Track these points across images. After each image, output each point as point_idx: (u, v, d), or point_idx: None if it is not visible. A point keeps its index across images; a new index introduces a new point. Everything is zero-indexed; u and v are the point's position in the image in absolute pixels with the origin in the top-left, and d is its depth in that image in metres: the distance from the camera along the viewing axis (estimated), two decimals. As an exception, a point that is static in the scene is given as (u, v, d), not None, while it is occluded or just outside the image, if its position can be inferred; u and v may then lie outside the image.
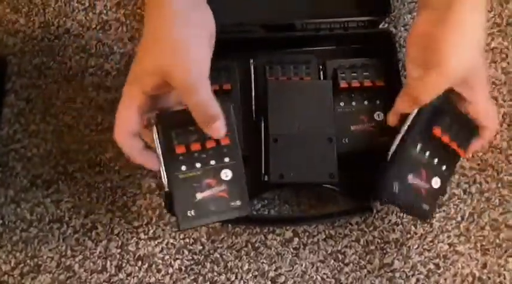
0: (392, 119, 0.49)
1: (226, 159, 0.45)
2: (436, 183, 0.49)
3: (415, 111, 0.47)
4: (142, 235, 0.51)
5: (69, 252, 0.51)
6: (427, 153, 0.48)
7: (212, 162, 0.44)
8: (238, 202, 0.44)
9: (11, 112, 0.55)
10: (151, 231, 0.52)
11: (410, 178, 0.47)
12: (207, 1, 0.45)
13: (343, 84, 0.54)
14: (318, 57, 0.56)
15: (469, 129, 0.49)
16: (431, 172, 0.48)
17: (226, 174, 0.45)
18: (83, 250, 0.51)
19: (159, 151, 0.43)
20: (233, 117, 0.46)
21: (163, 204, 0.52)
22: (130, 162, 0.43)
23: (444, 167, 0.49)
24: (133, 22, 0.59)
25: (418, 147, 0.47)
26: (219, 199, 0.44)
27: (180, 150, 0.44)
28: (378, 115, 0.53)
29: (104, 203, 0.52)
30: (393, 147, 0.48)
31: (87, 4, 0.60)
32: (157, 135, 0.43)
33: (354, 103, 0.55)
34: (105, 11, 0.60)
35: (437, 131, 0.47)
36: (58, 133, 0.55)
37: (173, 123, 0.43)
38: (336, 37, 0.58)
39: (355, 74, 0.55)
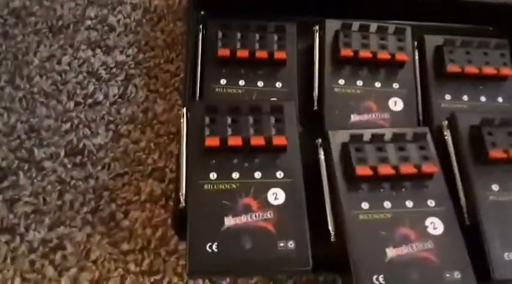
0: None
1: (279, 173, 0.30)
2: None
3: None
4: (132, 267, 0.33)
5: (17, 282, 0.32)
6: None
7: (257, 175, 0.30)
8: (291, 244, 0.27)
9: (-33, 68, 0.38)
10: (147, 262, 0.33)
11: None
12: None
13: (451, 68, 0.37)
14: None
15: None
16: None
17: (277, 195, 0.29)
18: (39, 280, 0.33)
19: (184, 144, 0.30)
20: (295, 114, 0.32)
21: (170, 221, 0.34)
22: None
23: None
24: (155, -36, 0.43)
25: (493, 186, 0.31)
26: (259, 233, 0.28)
27: (211, 142, 0.30)
28: None
29: (81, 211, 0.34)
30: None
31: None
32: (185, 124, 0.31)
33: (465, 98, 0.37)
34: None
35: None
36: (30, 103, 0.38)
37: (209, 110, 0.31)
38: (438, 9, 0.41)
39: (469, 55, 0.37)
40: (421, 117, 0.37)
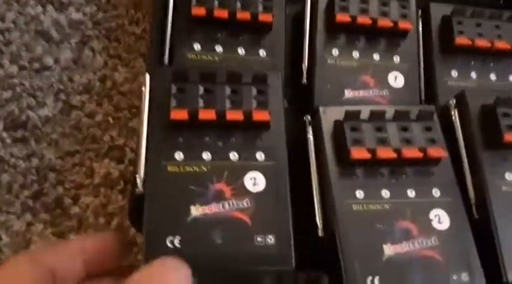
0: None
1: (259, 155, 0.25)
2: None
3: None
4: (80, 263, 0.28)
5: None
6: None
7: (233, 155, 0.25)
8: (270, 238, 0.23)
9: None
10: (99, 257, 0.28)
11: None
12: None
13: (460, 40, 0.32)
14: None
15: None
16: None
17: (256, 181, 0.24)
18: (-35, 278, 0.27)
19: (144, 116, 0.25)
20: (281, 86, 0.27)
21: (127, 209, 0.29)
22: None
23: None
24: None
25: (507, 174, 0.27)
26: (233, 225, 0.23)
27: (178, 115, 0.25)
28: None
29: (21, 195, 0.29)
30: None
31: None
32: (147, 93, 0.26)
33: (473, 75, 0.32)
34: None
35: None
36: (-37, 65, 0.32)
37: (177, 77, 0.26)
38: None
39: (479, 28, 0.33)
40: (423, 95, 0.33)
